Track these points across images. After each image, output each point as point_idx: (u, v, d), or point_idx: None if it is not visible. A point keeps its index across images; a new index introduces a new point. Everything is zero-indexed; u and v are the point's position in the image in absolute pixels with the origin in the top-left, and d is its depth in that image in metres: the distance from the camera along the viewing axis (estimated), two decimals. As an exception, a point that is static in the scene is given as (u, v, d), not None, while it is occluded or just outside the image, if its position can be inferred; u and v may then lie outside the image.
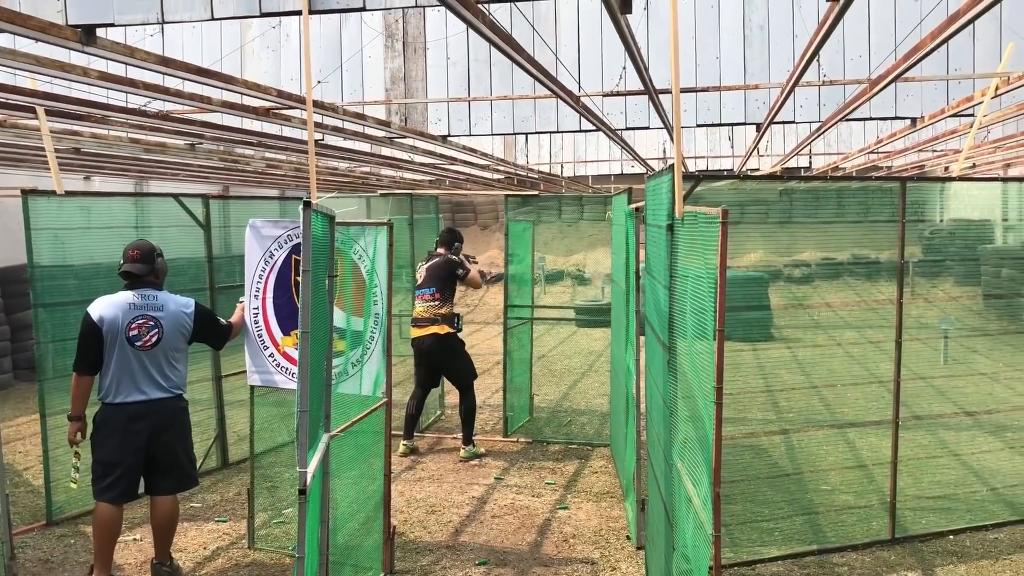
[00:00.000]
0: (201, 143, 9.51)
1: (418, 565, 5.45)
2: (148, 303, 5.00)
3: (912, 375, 9.29)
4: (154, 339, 4.96)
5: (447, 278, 7.76)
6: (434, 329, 7.67)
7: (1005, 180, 9.44)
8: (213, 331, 5.33)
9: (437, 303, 7.69)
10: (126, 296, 5.02)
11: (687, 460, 3.47)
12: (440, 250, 8.06)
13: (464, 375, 7.92)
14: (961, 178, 6.99)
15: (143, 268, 5.05)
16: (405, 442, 7.93)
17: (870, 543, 5.69)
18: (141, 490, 5.18)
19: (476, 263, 8.39)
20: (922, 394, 9.42)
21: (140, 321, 4.96)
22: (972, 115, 7.79)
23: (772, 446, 7.73)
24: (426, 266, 7.95)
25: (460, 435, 8.06)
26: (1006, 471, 7.03)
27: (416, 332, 7.77)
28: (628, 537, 5.85)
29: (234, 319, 5.48)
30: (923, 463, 7.16)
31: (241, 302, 5.44)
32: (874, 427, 7.34)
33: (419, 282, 7.88)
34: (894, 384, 5.85)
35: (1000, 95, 7.01)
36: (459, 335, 7.84)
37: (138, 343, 4.95)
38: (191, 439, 5.31)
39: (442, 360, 7.84)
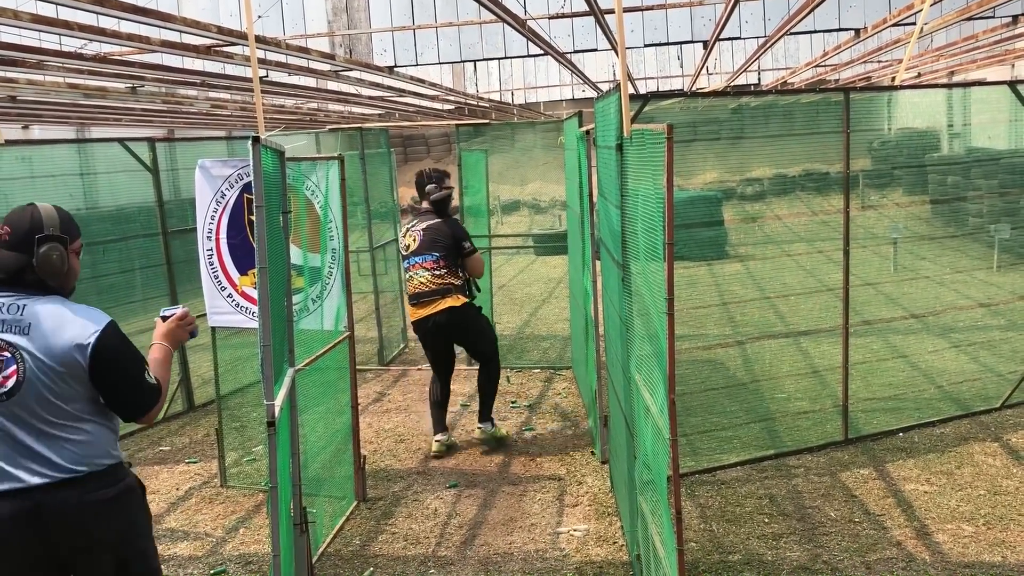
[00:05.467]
0: (142, 86, 9.29)
1: (390, 492, 5.59)
2: (4, 318, 2.81)
3: (862, 283, 9.55)
4: (10, 383, 2.76)
5: (451, 246, 6.12)
6: (448, 302, 6.03)
7: (948, 87, 9.57)
8: (121, 386, 2.87)
9: (444, 271, 6.07)
10: None
11: (644, 372, 3.58)
12: (425, 205, 6.33)
13: (486, 346, 6.36)
14: (903, 86, 7.10)
15: (10, 261, 2.85)
16: (437, 438, 6.29)
17: (825, 445, 5.93)
18: None
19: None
20: (873, 301, 9.68)
21: None
22: (914, 23, 7.86)
23: (729, 358, 7.94)
24: (421, 228, 6.20)
25: (427, 368, 8.09)
26: (952, 370, 7.32)
27: (420, 311, 6.10)
28: (592, 452, 6.03)
29: (158, 356, 3.10)
30: (873, 366, 7.42)
31: (163, 316, 3.18)
32: (826, 335, 7.56)
33: (411, 247, 6.19)
34: (843, 291, 6.03)
35: (940, 1, 7.09)
36: (475, 304, 6.31)
37: None
38: (145, 541, 3.01)
39: (460, 335, 6.32)
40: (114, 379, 2.83)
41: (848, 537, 4.60)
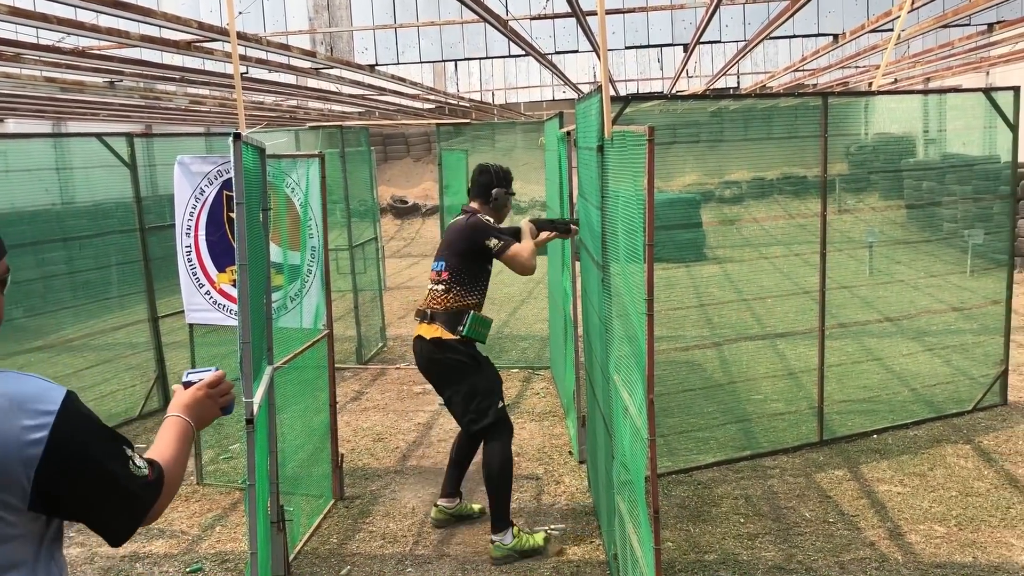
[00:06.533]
0: (121, 80, 9.22)
1: (368, 490, 5.58)
2: None
3: (838, 286, 9.63)
4: None
5: (467, 251, 4.61)
6: (422, 329, 4.63)
7: (925, 93, 9.67)
8: (95, 499, 1.68)
9: (442, 287, 4.61)
10: None
11: (623, 372, 3.61)
12: (473, 205, 4.83)
13: (460, 410, 4.66)
14: (880, 92, 7.17)
15: None
16: (439, 502, 5.08)
17: (800, 446, 5.99)
18: None
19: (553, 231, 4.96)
20: (848, 304, 9.77)
21: None
22: (892, 30, 7.95)
23: (706, 360, 7.99)
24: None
25: (405, 366, 8.04)
26: (925, 373, 7.40)
27: (416, 329, 4.75)
28: (570, 452, 6.05)
29: (171, 433, 1.97)
30: (848, 369, 7.49)
31: (186, 381, 2.10)
32: (802, 337, 7.62)
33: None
34: (819, 294, 6.09)
35: (917, 8, 7.17)
36: (467, 345, 4.60)
37: None
38: None
39: (434, 380, 4.76)
40: (83, 492, 1.64)
41: (822, 537, 4.64)
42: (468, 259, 4.60)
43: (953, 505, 4.98)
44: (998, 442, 5.95)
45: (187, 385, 2.09)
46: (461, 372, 4.58)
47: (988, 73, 16.98)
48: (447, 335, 4.55)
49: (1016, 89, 6.46)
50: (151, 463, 1.79)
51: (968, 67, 14.92)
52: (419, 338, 4.64)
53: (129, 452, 1.74)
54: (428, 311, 4.60)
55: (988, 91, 6.51)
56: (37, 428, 1.56)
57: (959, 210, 13.81)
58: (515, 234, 4.77)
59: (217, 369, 2.13)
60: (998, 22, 8.99)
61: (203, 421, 2.08)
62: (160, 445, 1.93)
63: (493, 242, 4.54)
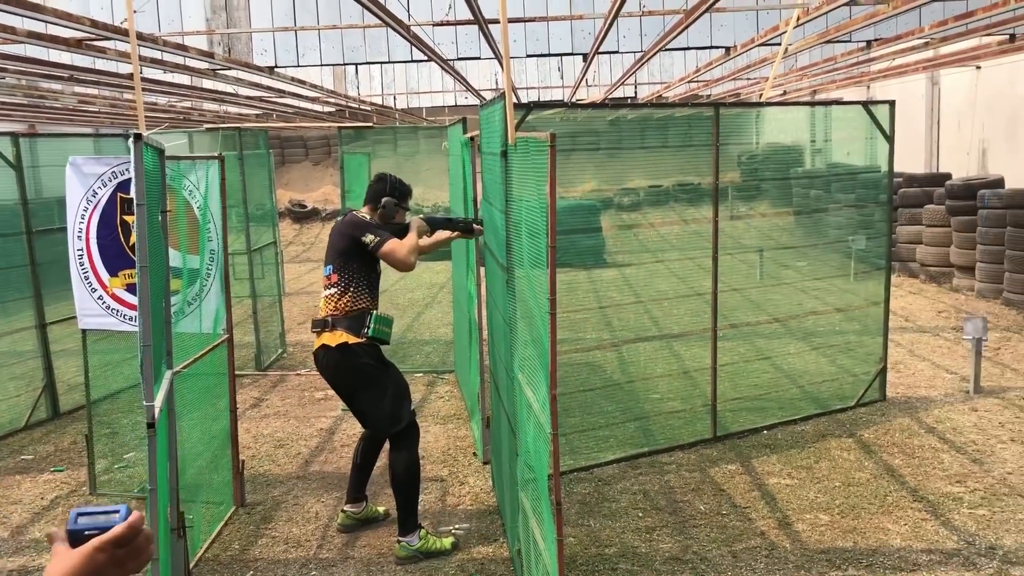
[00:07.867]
0: (3, 78, 8.83)
1: (270, 496, 5.52)
2: None
3: (730, 289, 9.98)
4: None
5: (348, 249, 4.59)
6: (324, 339, 4.58)
7: (811, 104, 10.12)
8: None
9: (336, 290, 4.58)
10: None
11: (527, 372, 3.70)
12: (363, 209, 4.88)
13: (376, 414, 4.65)
14: (770, 103, 7.50)
15: None
16: (345, 507, 5.06)
17: (695, 442, 6.21)
18: None
19: (463, 227, 5.16)
20: (739, 306, 10.13)
21: None
22: (780, 44, 8.32)
23: (606, 361, 8.18)
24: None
25: (306, 372, 7.95)
26: (812, 371, 7.76)
27: (317, 343, 4.68)
28: (475, 454, 6.12)
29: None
30: (740, 368, 7.79)
31: (72, 529, 1.23)
32: (697, 338, 7.88)
33: None
34: (711, 296, 6.33)
35: (803, 24, 7.53)
36: (371, 347, 4.58)
37: None
38: None
39: (340, 386, 4.71)
40: None
41: (716, 528, 4.84)
42: (352, 258, 4.58)
43: (836, 495, 5.26)
44: (877, 435, 6.30)
45: (76, 538, 1.22)
46: (372, 376, 4.57)
47: (869, 87, 17.89)
48: (352, 339, 4.52)
49: (891, 103, 6.87)
50: None
51: (851, 81, 15.69)
52: (323, 347, 4.57)
53: None
54: (328, 319, 4.56)
55: (867, 104, 6.90)
56: None
57: (843, 217, 14.48)
58: (403, 231, 4.75)
59: (130, 511, 1.26)
60: (876, 39, 9.51)
61: None
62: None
63: (369, 237, 4.52)
